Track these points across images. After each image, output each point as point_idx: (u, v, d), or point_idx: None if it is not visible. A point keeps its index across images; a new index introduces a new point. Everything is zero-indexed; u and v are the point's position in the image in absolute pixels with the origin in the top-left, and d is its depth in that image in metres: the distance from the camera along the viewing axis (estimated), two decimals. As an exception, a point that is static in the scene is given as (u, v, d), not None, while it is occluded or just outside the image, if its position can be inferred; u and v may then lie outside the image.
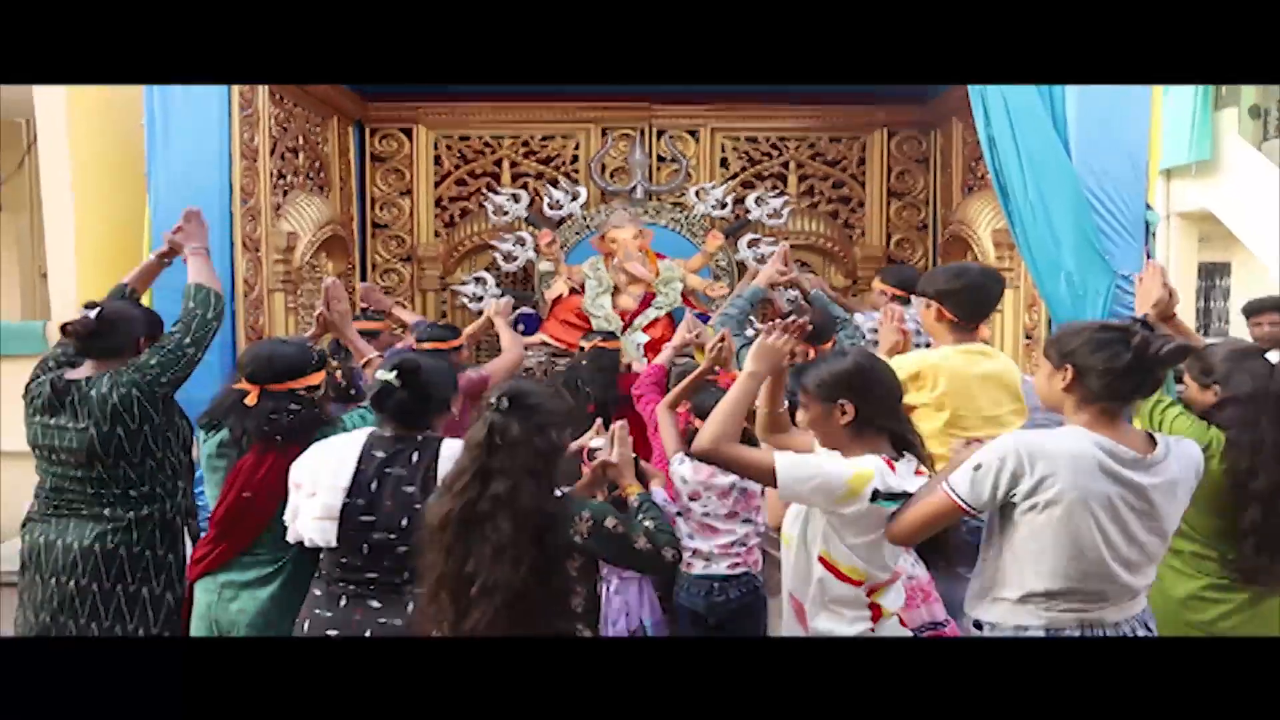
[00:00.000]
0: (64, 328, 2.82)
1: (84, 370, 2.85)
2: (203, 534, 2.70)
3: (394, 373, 2.27)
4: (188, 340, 2.89)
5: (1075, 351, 2.01)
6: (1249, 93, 9.90)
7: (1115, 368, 1.97)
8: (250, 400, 2.53)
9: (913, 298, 3.30)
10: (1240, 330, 11.18)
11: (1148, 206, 4.04)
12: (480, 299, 5.53)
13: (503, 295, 5.09)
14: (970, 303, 2.96)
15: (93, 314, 2.82)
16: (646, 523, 2.16)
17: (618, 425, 2.38)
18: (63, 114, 4.63)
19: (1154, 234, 4.10)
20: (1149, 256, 4.05)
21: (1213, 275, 11.57)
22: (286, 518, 2.34)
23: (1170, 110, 9.01)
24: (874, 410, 2.18)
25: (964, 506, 1.99)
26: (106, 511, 2.76)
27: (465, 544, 1.95)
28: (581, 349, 4.34)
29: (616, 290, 5.19)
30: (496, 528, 1.93)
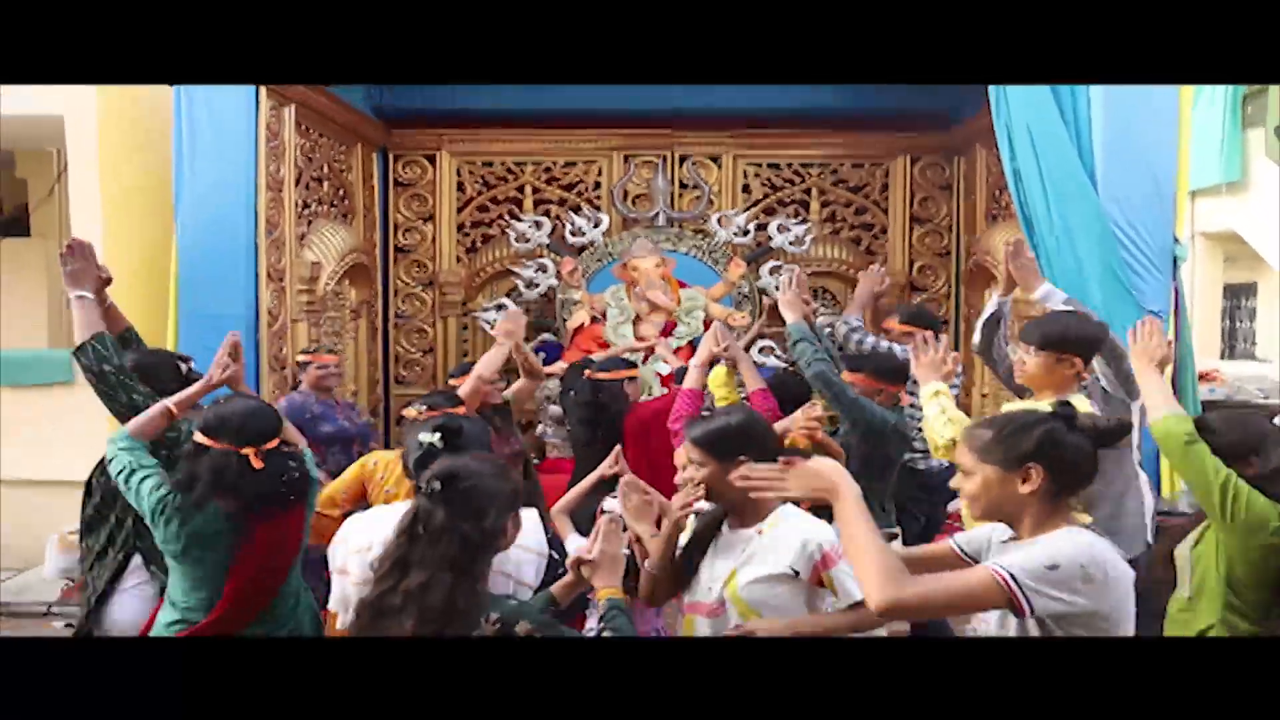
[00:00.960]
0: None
1: None
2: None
3: (437, 434, 2.18)
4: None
5: (1037, 449, 1.80)
6: (1275, 113, 9.82)
7: (1088, 456, 1.82)
8: (257, 464, 2.32)
9: (1017, 342, 3.11)
10: (1268, 349, 11.08)
11: (1175, 240, 4.01)
12: (502, 325, 5.54)
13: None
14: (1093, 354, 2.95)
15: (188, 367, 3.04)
16: (605, 634, 1.92)
17: (604, 519, 2.12)
18: (93, 144, 4.69)
19: (1181, 268, 4.07)
20: (1177, 291, 4.02)
21: (1238, 295, 11.46)
22: (334, 605, 2.25)
23: (1199, 131, 8.95)
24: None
25: (1022, 605, 1.69)
26: None
27: (374, 635, 1.83)
28: (585, 380, 3.99)
29: (638, 319, 5.20)
30: (400, 625, 1.79)
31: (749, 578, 2.12)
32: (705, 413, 3.16)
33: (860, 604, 2.00)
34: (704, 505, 2.28)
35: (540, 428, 5.40)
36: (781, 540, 2.14)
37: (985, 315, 3.48)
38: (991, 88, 4.12)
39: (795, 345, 3.38)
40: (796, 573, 2.10)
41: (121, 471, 2.37)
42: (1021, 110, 4.05)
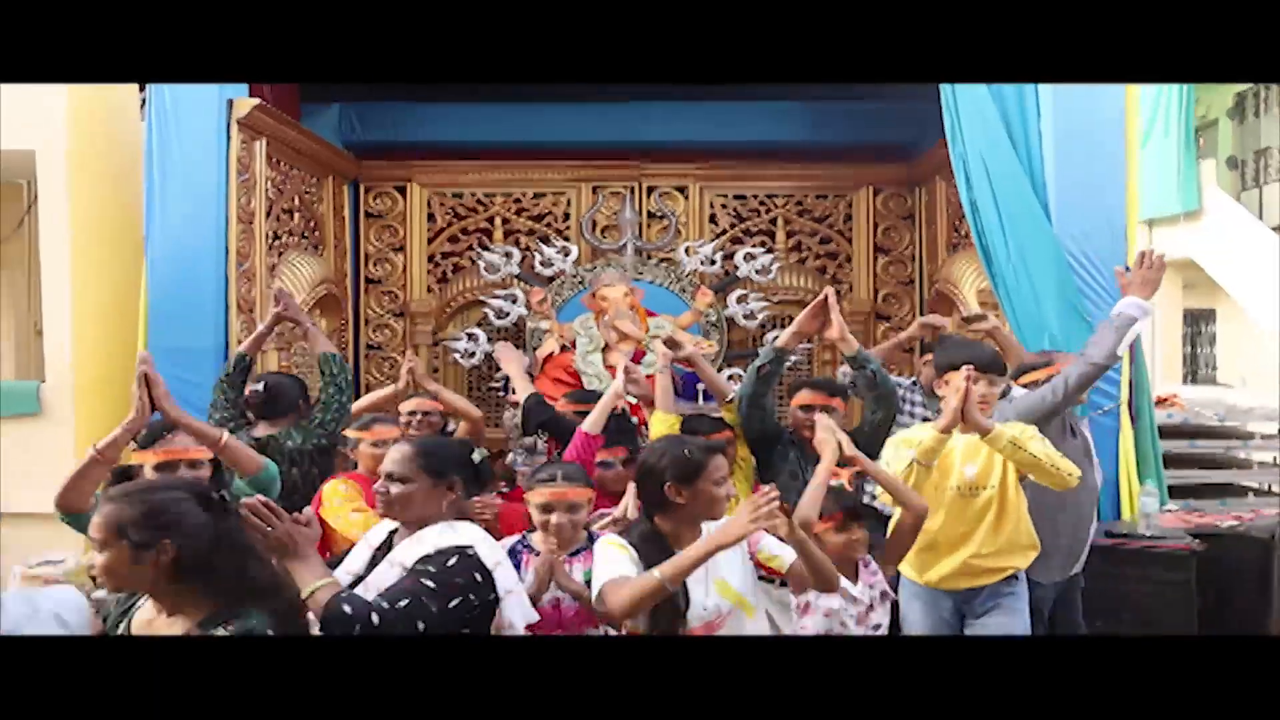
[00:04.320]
0: (247, 400, 3.64)
1: (263, 429, 3.57)
2: None
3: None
4: (345, 399, 3.65)
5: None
6: (1226, 145, 10.14)
7: None
8: None
9: None
10: (1229, 374, 11.32)
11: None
12: (472, 354, 5.60)
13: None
14: None
15: (261, 386, 3.64)
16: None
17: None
18: (63, 176, 4.71)
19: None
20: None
21: (1198, 321, 11.71)
22: None
23: (1155, 163, 9.22)
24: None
25: None
26: None
27: None
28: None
29: (607, 347, 5.26)
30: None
31: (738, 578, 2.39)
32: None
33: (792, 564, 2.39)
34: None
35: (510, 456, 5.42)
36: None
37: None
38: (947, 122, 4.25)
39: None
40: (749, 554, 2.45)
41: None
42: (976, 144, 4.19)
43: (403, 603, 2.01)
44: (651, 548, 2.32)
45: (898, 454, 3.03)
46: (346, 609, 1.96)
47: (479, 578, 2.14)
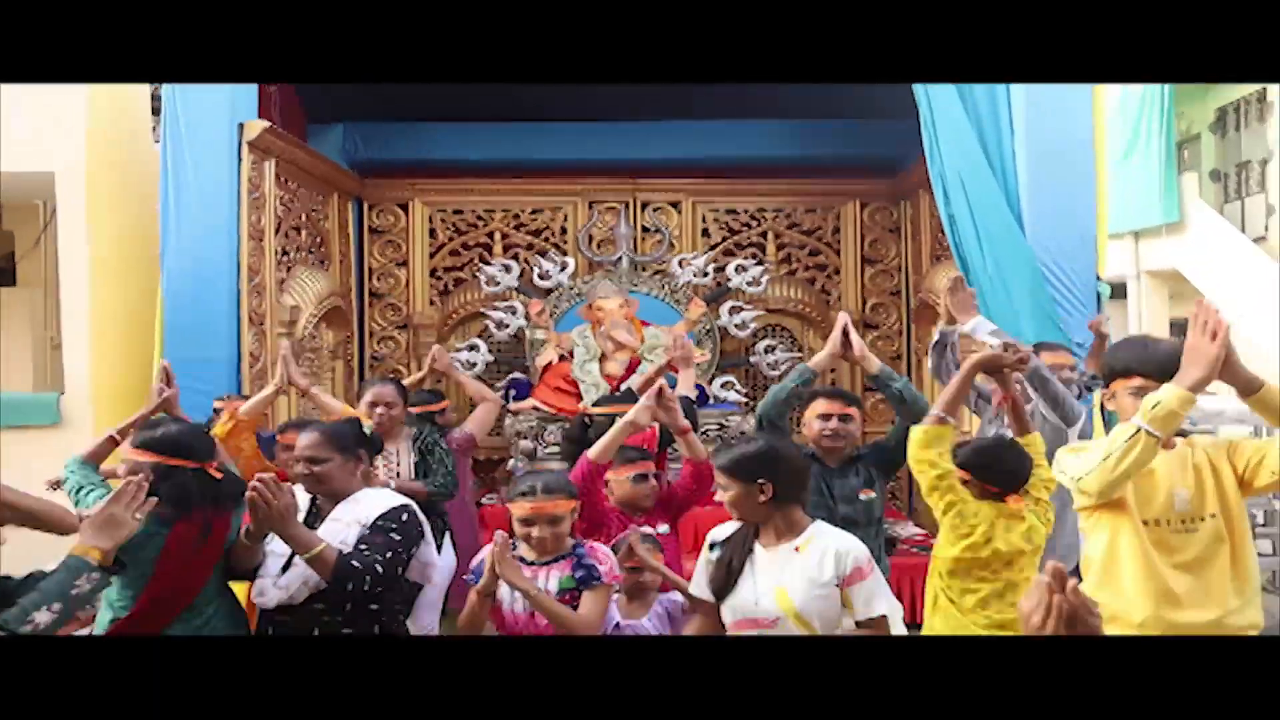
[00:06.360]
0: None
1: None
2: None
3: None
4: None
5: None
6: (1209, 158, 10.35)
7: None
8: (218, 475, 2.56)
9: None
10: (1227, 390, 11.50)
11: (1098, 279, 4.34)
12: (473, 365, 5.79)
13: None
14: None
15: None
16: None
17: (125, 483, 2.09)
18: (82, 196, 4.91)
19: (1104, 304, 4.39)
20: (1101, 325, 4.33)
21: (1185, 331, 11.85)
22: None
23: (1138, 176, 9.43)
24: (787, 486, 2.37)
25: None
26: None
27: None
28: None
29: (603, 357, 5.46)
30: None
31: (802, 592, 2.28)
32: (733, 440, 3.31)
33: (876, 620, 2.30)
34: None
35: (512, 462, 5.61)
36: (822, 555, 2.32)
37: (933, 343, 3.62)
38: (925, 141, 4.44)
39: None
40: (838, 584, 2.31)
41: (73, 488, 2.80)
42: (954, 162, 4.37)
43: (388, 554, 2.37)
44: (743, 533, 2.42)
45: (1076, 463, 2.30)
46: (356, 563, 2.31)
47: (421, 529, 2.54)
